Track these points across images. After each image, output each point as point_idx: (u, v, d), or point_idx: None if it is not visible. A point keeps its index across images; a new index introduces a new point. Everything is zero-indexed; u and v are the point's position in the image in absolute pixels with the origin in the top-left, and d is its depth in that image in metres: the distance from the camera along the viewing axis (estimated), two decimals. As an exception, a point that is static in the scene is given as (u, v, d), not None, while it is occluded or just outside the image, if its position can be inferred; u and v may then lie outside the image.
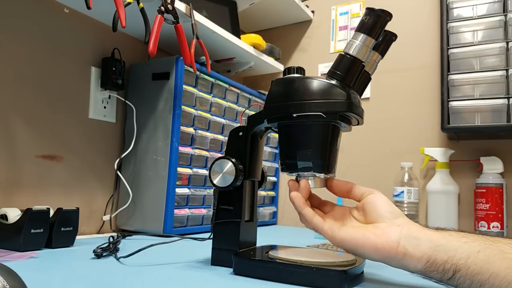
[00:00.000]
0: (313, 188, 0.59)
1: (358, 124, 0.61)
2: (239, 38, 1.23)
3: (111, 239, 0.79)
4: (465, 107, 1.09)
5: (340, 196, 0.61)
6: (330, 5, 1.51)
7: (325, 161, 0.57)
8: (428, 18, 1.31)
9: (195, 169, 1.09)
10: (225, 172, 0.62)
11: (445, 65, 1.13)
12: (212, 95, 1.15)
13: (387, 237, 0.51)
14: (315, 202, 0.62)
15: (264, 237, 0.97)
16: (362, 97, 0.62)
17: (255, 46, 1.30)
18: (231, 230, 0.63)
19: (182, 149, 1.04)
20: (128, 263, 0.62)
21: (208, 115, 1.14)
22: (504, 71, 1.05)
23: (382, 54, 0.63)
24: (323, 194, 0.63)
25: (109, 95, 1.07)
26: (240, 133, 0.66)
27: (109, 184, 1.08)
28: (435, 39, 1.26)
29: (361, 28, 0.54)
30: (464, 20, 1.13)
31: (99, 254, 0.66)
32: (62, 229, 0.75)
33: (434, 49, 1.27)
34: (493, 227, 1.08)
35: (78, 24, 1.01)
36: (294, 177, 0.61)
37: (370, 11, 0.54)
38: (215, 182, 0.63)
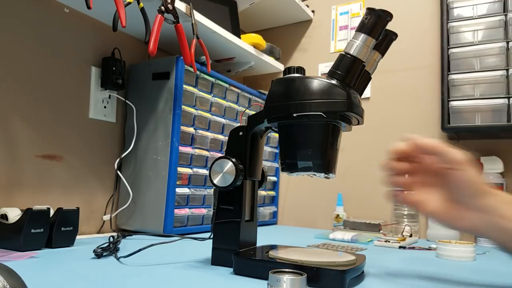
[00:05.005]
0: None
1: (358, 124, 0.61)
2: (239, 38, 1.23)
3: (111, 239, 0.79)
4: (465, 107, 1.09)
5: (427, 153, 0.59)
6: (330, 5, 1.51)
7: (325, 161, 0.57)
8: (428, 18, 1.31)
9: (195, 169, 1.09)
10: (225, 172, 0.62)
11: (446, 65, 1.13)
12: (212, 95, 1.15)
13: (465, 222, 0.54)
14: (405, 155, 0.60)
15: (264, 237, 0.97)
16: (362, 96, 0.62)
17: (255, 46, 1.30)
18: (231, 230, 0.63)
19: (182, 149, 1.04)
20: (128, 263, 0.62)
21: (208, 115, 1.14)
22: (504, 71, 1.05)
23: (383, 53, 0.63)
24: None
25: (109, 95, 1.07)
26: (240, 133, 0.66)
27: (109, 184, 1.08)
28: (436, 38, 1.26)
29: (362, 28, 0.54)
30: (464, 20, 1.13)
31: (99, 254, 0.66)
32: (62, 229, 0.75)
33: (434, 49, 1.27)
34: (493, 227, 1.08)
35: (78, 24, 1.01)
36: (294, 177, 0.60)
37: (370, 11, 0.54)
38: (215, 182, 0.63)
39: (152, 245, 0.67)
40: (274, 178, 1.47)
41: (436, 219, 0.58)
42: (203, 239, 0.79)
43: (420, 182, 0.60)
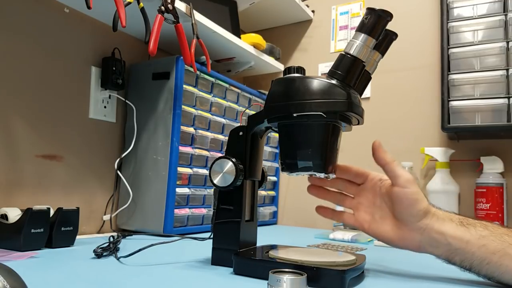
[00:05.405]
0: None
1: (358, 123, 0.62)
2: (239, 37, 1.23)
3: (111, 239, 0.79)
4: (465, 107, 1.09)
5: (377, 163, 0.64)
6: (330, 5, 1.51)
7: (325, 161, 0.57)
8: (428, 18, 1.30)
9: (195, 169, 1.09)
10: (225, 172, 0.62)
11: (446, 65, 1.13)
12: (212, 95, 1.15)
13: (408, 241, 0.58)
14: (350, 175, 0.67)
15: (264, 237, 0.97)
16: (362, 96, 0.62)
17: (255, 46, 1.30)
18: (231, 230, 0.63)
19: (182, 148, 1.04)
20: (128, 263, 0.62)
21: (208, 115, 1.14)
22: (504, 71, 1.05)
23: (383, 53, 0.63)
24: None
25: (109, 95, 1.07)
26: (240, 133, 0.66)
27: (109, 184, 1.08)
28: (436, 38, 1.26)
29: (362, 28, 0.54)
30: (464, 20, 1.13)
31: (99, 253, 0.66)
32: (62, 228, 0.75)
33: (434, 49, 1.27)
34: (493, 227, 1.08)
35: (78, 24, 1.01)
36: (294, 177, 0.61)
37: (370, 11, 0.54)
38: (215, 181, 0.63)
39: (152, 245, 0.67)
40: (274, 178, 1.47)
41: (382, 240, 0.61)
42: (203, 239, 0.79)
43: (365, 202, 0.63)
